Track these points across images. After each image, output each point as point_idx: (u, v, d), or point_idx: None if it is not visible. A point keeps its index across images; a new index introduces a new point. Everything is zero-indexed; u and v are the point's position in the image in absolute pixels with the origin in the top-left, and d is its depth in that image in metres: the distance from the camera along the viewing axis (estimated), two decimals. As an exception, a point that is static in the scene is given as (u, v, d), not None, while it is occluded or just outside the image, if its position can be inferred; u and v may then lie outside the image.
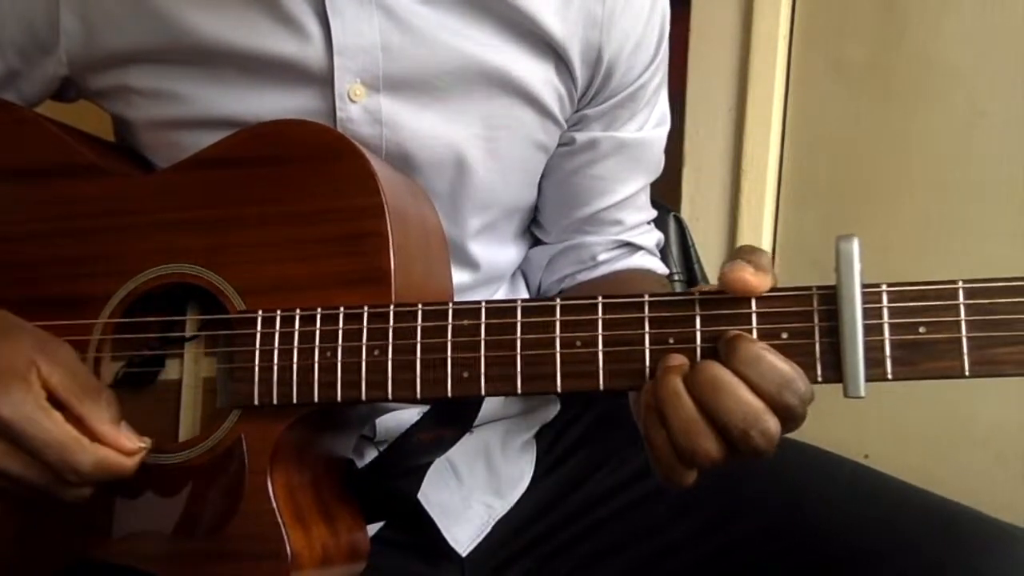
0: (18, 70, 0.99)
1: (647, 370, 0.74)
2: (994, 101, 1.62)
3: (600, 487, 1.07)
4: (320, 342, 0.81)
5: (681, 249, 1.33)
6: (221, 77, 0.94)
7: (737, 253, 0.72)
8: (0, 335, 0.81)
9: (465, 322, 0.78)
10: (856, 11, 1.71)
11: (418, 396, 0.79)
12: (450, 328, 0.78)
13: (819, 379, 0.71)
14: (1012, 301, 0.67)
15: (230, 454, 0.83)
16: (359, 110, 0.93)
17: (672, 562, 1.01)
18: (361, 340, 0.80)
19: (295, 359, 0.81)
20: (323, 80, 0.93)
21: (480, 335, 0.77)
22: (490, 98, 0.97)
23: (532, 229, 1.15)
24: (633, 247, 1.14)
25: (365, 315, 0.80)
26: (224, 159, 0.89)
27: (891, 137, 1.71)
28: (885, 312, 0.69)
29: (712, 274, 1.39)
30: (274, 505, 0.82)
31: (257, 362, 0.82)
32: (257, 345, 0.82)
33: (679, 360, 0.73)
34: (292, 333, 0.82)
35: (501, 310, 0.78)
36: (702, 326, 0.73)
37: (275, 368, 0.82)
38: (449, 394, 0.78)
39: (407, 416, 0.95)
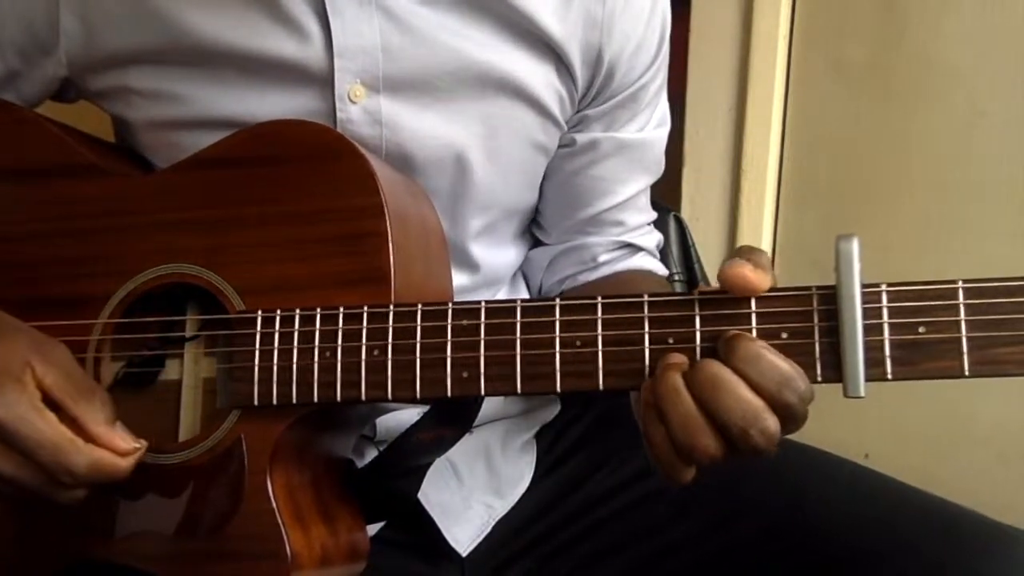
0: (18, 71, 0.99)
1: (647, 370, 0.74)
2: (994, 101, 1.62)
3: (600, 487, 1.07)
4: (320, 342, 0.81)
5: (681, 249, 1.33)
6: (221, 78, 0.94)
7: (736, 253, 0.72)
8: None
9: (465, 322, 0.78)
10: (856, 11, 1.71)
11: (418, 396, 0.79)
12: (450, 328, 0.78)
13: (819, 379, 0.71)
14: (1012, 301, 0.67)
15: (230, 454, 0.83)
16: (359, 111, 0.93)
17: (672, 562, 1.01)
18: (361, 340, 0.80)
19: (295, 359, 0.81)
20: (323, 81, 0.93)
21: (480, 335, 0.77)
22: (490, 99, 0.97)
23: (533, 230, 1.15)
24: (634, 248, 1.14)
25: (365, 315, 0.80)
26: (224, 159, 0.89)
27: (891, 137, 1.70)
28: (885, 312, 0.69)
29: (712, 274, 1.38)
30: (274, 505, 0.81)
31: (257, 362, 0.82)
32: (257, 345, 0.82)
33: (679, 358, 0.73)
34: (292, 333, 0.82)
35: (501, 310, 0.78)
36: (702, 326, 0.73)
37: (275, 368, 0.82)
38: (449, 394, 0.78)
39: (407, 416, 0.95)
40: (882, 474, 1.01)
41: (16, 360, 0.78)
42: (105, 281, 0.89)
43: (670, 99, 1.14)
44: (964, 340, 0.68)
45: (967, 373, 0.68)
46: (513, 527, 1.07)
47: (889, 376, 0.69)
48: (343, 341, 0.80)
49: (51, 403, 0.78)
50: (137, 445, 0.81)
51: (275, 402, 0.81)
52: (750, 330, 0.72)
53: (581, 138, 1.06)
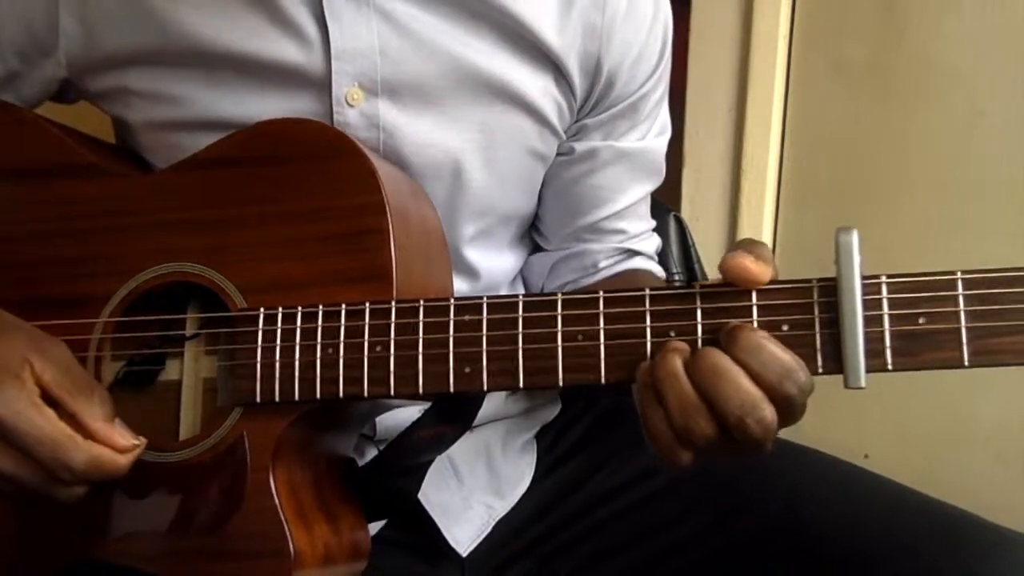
0: (17, 71, 1.00)
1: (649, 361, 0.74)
2: (994, 101, 1.62)
3: (600, 488, 1.07)
4: (322, 338, 0.81)
5: (681, 249, 1.33)
6: (219, 80, 0.94)
7: (738, 245, 0.73)
8: None
9: (467, 317, 0.78)
10: (856, 11, 1.71)
11: (420, 391, 0.79)
12: (452, 323, 0.78)
13: (820, 370, 0.71)
14: (1010, 291, 0.68)
15: (232, 452, 0.83)
16: (356, 114, 0.93)
17: (672, 563, 1.01)
18: (363, 336, 0.80)
19: (297, 356, 0.81)
20: (321, 84, 0.93)
21: (482, 330, 0.78)
22: (487, 105, 0.97)
23: (533, 236, 1.15)
24: (632, 252, 1.14)
25: (367, 311, 0.80)
26: (224, 158, 0.89)
27: (891, 137, 1.71)
28: (885, 303, 0.70)
29: (712, 274, 1.38)
30: (276, 502, 0.81)
31: (259, 359, 0.82)
32: (259, 342, 0.82)
33: (680, 344, 0.73)
34: (294, 330, 0.82)
35: (503, 305, 0.78)
36: (703, 319, 0.73)
37: (277, 365, 0.82)
38: (451, 389, 0.78)
39: (407, 415, 0.95)
40: (880, 475, 1.01)
41: (15, 357, 0.78)
42: (105, 281, 0.89)
43: (670, 99, 1.13)
44: (964, 330, 0.68)
45: (967, 363, 0.68)
46: (513, 527, 1.07)
47: (889, 367, 0.69)
48: (345, 337, 0.80)
49: (50, 400, 0.78)
50: (136, 442, 0.81)
51: (277, 399, 0.81)
52: (751, 322, 0.72)
53: (580, 146, 1.06)
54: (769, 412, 0.69)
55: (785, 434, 0.73)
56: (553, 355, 0.76)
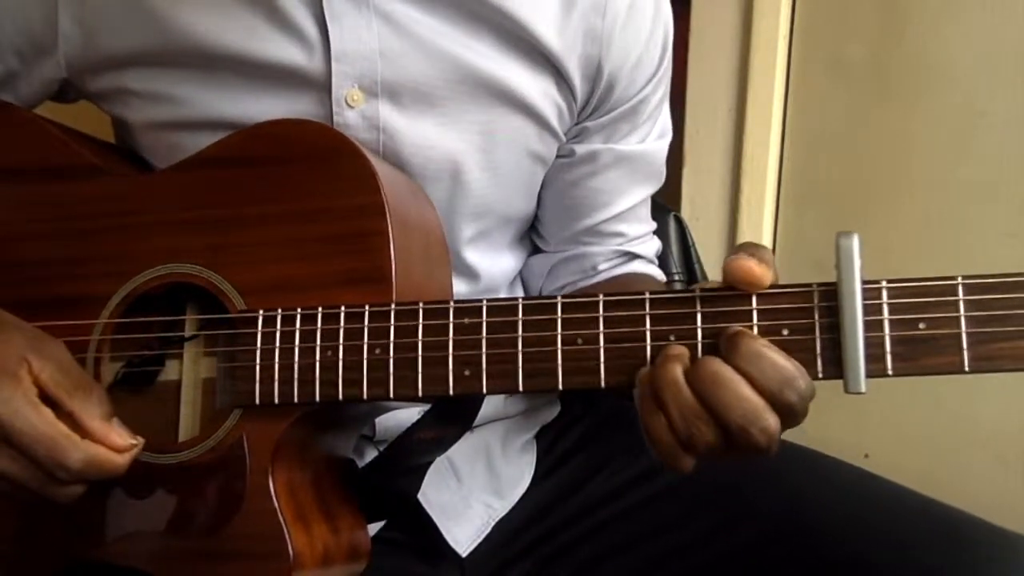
0: (16, 72, 0.99)
1: (648, 367, 0.74)
2: (994, 101, 1.62)
3: (601, 489, 1.07)
4: (321, 341, 0.81)
5: (681, 249, 1.33)
6: (218, 80, 0.94)
7: (740, 248, 0.72)
8: None
9: (466, 320, 0.78)
10: (856, 11, 1.71)
11: (420, 394, 0.79)
12: (451, 326, 0.78)
13: (820, 375, 0.71)
14: (1011, 297, 0.68)
15: (231, 453, 0.83)
16: (356, 116, 0.93)
17: (674, 565, 1.01)
18: (363, 339, 0.80)
19: (296, 358, 0.81)
20: (321, 85, 0.93)
21: (481, 333, 0.78)
22: (488, 108, 0.97)
23: (532, 237, 1.15)
24: (632, 255, 1.14)
25: (366, 314, 0.80)
26: (224, 159, 0.89)
27: (891, 137, 1.70)
28: (885, 308, 0.69)
29: (712, 274, 1.39)
30: (276, 504, 0.81)
31: (258, 361, 0.82)
32: (258, 344, 0.82)
33: (680, 349, 0.73)
34: (293, 332, 0.82)
35: (502, 308, 0.78)
36: (703, 323, 0.73)
37: (276, 367, 0.82)
38: (451, 392, 0.78)
39: (407, 415, 0.95)
40: (881, 478, 1.01)
41: (12, 355, 0.78)
42: (105, 281, 0.89)
43: (670, 99, 1.13)
44: (964, 336, 0.68)
45: (967, 369, 0.68)
46: (513, 528, 1.07)
47: (890, 372, 0.69)
48: (345, 340, 0.80)
49: (48, 399, 0.78)
50: (133, 442, 0.80)
51: (276, 401, 0.82)
52: (751, 326, 0.72)
53: (580, 149, 1.06)
54: (773, 421, 0.69)
55: (786, 435, 0.73)
56: (553, 358, 0.76)
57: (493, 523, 1.06)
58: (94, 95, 1.01)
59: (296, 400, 0.81)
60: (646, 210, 1.15)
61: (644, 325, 0.74)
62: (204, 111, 0.94)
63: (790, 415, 0.70)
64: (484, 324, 0.78)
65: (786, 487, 0.99)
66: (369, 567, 0.90)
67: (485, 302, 0.78)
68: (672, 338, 0.74)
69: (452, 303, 0.79)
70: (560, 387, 0.76)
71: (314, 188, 0.85)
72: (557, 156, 1.06)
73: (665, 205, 1.28)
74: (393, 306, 0.80)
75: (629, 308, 0.75)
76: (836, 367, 0.70)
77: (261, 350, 0.82)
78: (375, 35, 0.92)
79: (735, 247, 0.72)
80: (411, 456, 0.91)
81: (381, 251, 0.82)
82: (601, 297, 0.76)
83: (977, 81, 1.63)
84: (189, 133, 0.94)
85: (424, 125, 0.96)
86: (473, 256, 1.04)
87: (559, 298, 0.77)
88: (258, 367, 0.82)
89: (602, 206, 1.10)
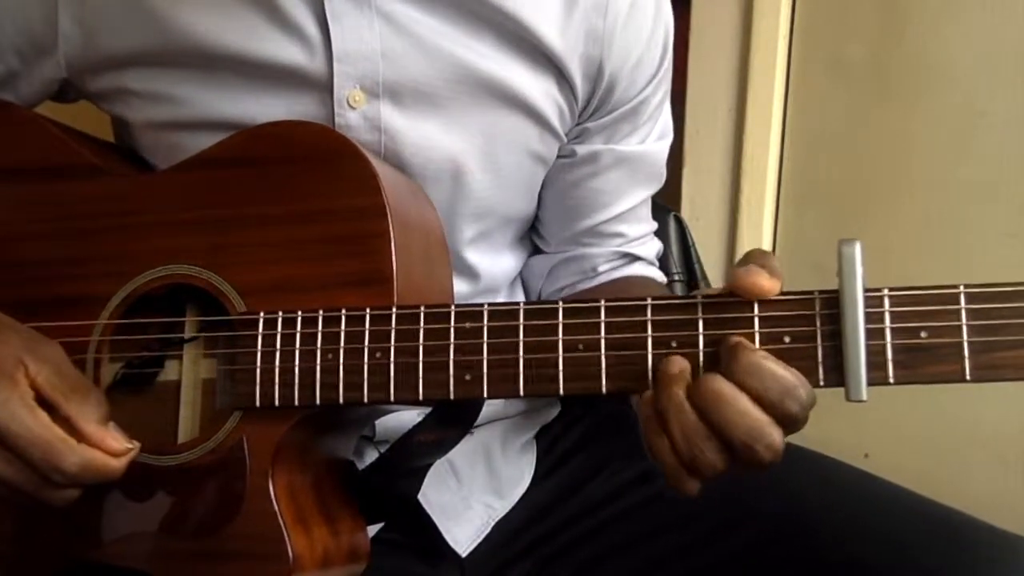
0: (17, 71, 0.99)
1: (650, 373, 0.74)
2: (994, 101, 1.62)
3: (601, 490, 1.07)
4: (322, 344, 0.81)
5: (681, 249, 1.33)
6: (219, 81, 0.93)
7: (747, 258, 0.72)
8: None
9: (467, 324, 0.78)
10: (856, 11, 1.71)
11: (420, 398, 0.79)
12: (452, 330, 0.78)
13: (821, 383, 0.71)
14: (1013, 306, 0.68)
15: (231, 455, 0.83)
16: (358, 117, 0.93)
17: (674, 567, 1.01)
18: (363, 342, 0.80)
19: (297, 360, 0.81)
20: (322, 86, 0.93)
21: (483, 337, 0.78)
22: (489, 109, 0.97)
23: (532, 238, 1.15)
24: (633, 257, 1.14)
25: (367, 317, 0.80)
26: (225, 159, 0.89)
27: (891, 137, 1.70)
28: (887, 316, 0.70)
29: (712, 274, 1.39)
30: (275, 506, 0.81)
31: (259, 363, 0.82)
32: (259, 346, 0.82)
33: (679, 367, 0.73)
34: (294, 335, 0.82)
35: (504, 313, 0.78)
36: (705, 330, 0.73)
37: (276, 369, 0.81)
38: (451, 396, 0.78)
39: (407, 417, 0.95)
40: (882, 479, 1.01)
41: (9, 357, 0.78)
42: (105, 281, 0.89)
43: (670, 99, 1.13)
44: (966, 345, 0.68)
45: (968, 377, 0.68)
46: (513, 528, 1.07)
47: (891, 380, 0.69)
48: (345, 343, 0.80)
49: (44, 402, 0.78)
50: (129, 446, 0.80)
51: (277, 403, 0.81)
52: (753, 334, 0.72)
53: (581, 150, 1.06)
54: (777, 436, 0.69)
55: (786, 436, 0.73)
56: (554, 364, 0.76)
57: (493, 523, 1.06)
58: (94, 95, 1.00)
59: (297, 403, 0.81)
60: (646, 211, 1.15)
61: (646, 331, 0.74)
62: (204, 111, 0.94)
63: (791, 424, 0.70)
64: (485, 329, 0.78)
65: (786, 488, 0.99)
66: (369, 568, 0.90)
67: (486, 307, 0.78)
68: (674, 345, 0.74)
69: (453, 307, 0.79)
70: (561, 392, 0.76)
71: (315, 189, 0.85)
72: (558, 156, 1.06)
73: (665, 205, 1.28)
74: (394, 310, 0.80)
75: (631, 314, 0.75)
76: (838, 375, 0.70)
77: (262, 353, 0.82)
78: (377, 35, 0.92)
79: (742, 256, 0.72)
80: (411, 458, 0.91)
81: (382, 253, 0.82)
82: (603, 303, 0.76)
83: (977, 81, 1.63)
84: (189, 133, 0.94)
85: (425, 126, 0.95)
86: (474, 256, 1.04)
87: (560, 303, 0.77)
88: (258, 370, 0.82)
89: (602, 207, 1.09)
